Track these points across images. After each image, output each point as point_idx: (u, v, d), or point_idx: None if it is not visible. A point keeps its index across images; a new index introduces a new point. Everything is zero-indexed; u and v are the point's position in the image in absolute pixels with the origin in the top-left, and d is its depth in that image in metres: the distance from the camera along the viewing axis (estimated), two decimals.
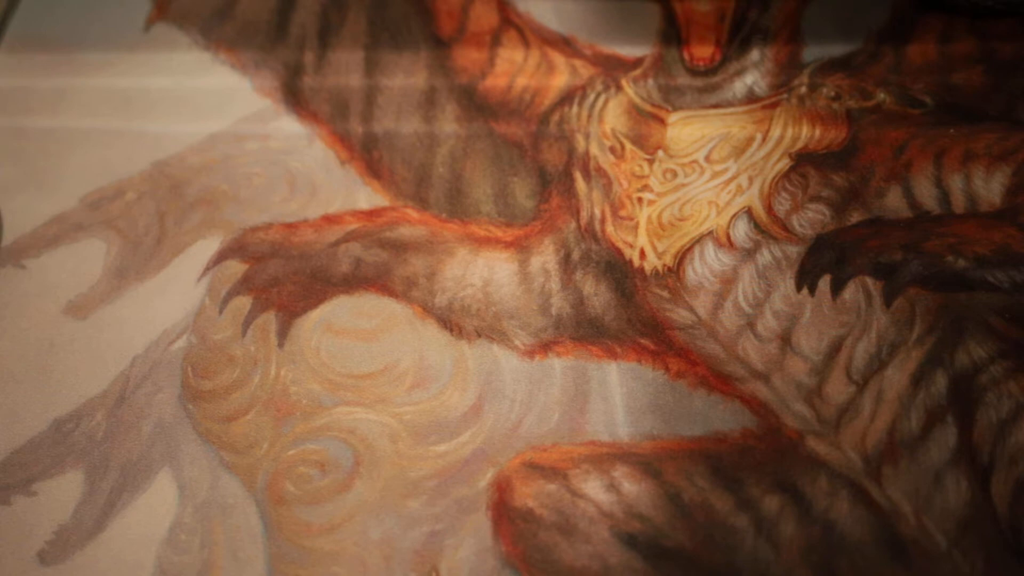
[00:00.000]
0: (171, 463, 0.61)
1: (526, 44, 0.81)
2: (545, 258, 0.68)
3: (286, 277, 0.68)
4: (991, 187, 0.67)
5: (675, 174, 0.71)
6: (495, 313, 0.65)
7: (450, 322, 0.65)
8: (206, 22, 0.85)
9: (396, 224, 0.71)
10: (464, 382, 0.62)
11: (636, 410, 0.60)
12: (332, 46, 0.82)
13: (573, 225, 0.69)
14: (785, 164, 0.70)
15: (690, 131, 0.73)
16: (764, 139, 0.72)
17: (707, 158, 0.72)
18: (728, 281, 0.65)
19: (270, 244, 0.70)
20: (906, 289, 0.63)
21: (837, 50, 0.77)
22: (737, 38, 0.79)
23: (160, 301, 0.68)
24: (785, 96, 0.75)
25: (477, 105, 0.77)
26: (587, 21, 0.82)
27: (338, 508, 0.58)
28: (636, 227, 0.69)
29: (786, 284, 0.64)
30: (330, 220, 0.71)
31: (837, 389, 0.60)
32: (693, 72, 0.78)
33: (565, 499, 0.57)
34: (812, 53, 0.78)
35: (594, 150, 0.73)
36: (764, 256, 0.66)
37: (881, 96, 0.74)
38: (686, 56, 0.78)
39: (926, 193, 0.67)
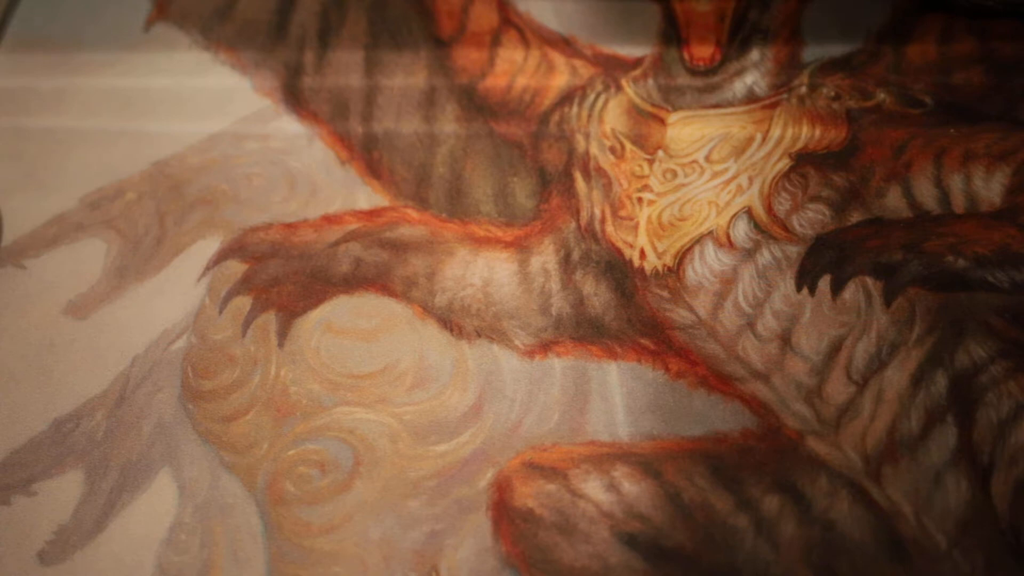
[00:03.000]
0: (171, 463, 0.61)
1: (526, 44, 0.81)
2: (545, 258, 0.68)
3: (286, 277, 0.68)
4: (991, 187, 0.67)
5: (675, 174, 0.71)
6: (495, 313, 0.65)
7: (450, 322, 0.65)
8: (206, 22, 0.85)
9: (396, 224, 0.71)
10: (464, 382, 0.62)
11: (636, 410, 0.60)
12: (332, 46, 0.82)
13: (573, 225, 0.69)
14: (785, 164, 0.70)
15: (690, 131, 0.73)
16: (764, 139, 0.72)
17: (707, 158, 0.72)
18: (728, 281, 0.65)
19: (270, 244, 0.70)
20: (906, 289, 0.63)
21: (837, 50, 0.77)
22: (737, 38, 0.79)
23: (160, 301, 0.68)
24: (785, 96, 0.75)
25: (477, 105, 0.77)
26: (587, 21, 0.82)
27: (338, 508, 0.58)
28: (636, 227, 0.69)
29: (786, 284, 0.64)
30: (330, 220, 0.71)
31: (837, 389, 0.59)
32: (693, 72, 0.78)
33: (565, 499, 0.57)
34: (812, 53, 0.78)
35: (594, 150, 0.73)
36: (764, 256, 0.66)
37: (881, 96, 0.74)
38: (686, 56, 0.78)
39: (926, 193, 0.67)
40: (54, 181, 0.76)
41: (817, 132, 0.72)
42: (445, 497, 0.58)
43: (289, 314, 0.66)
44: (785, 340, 0.62)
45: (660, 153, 0.72)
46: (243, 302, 0.67)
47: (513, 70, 0.79)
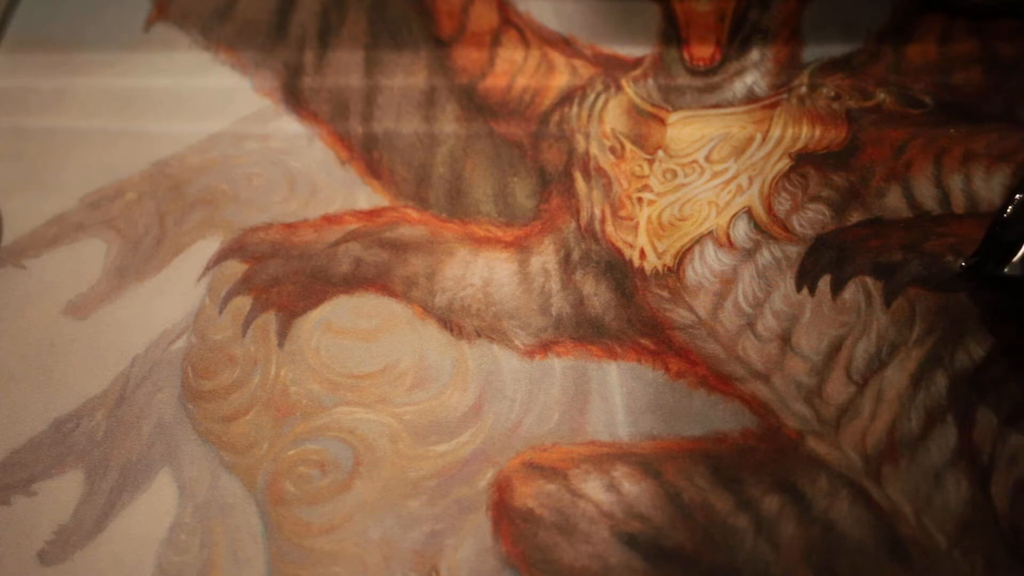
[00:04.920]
0: (171, 463, 0.61)
1: (526, 44, 0.81)
2: (545, 258, 0.68)
3: (286, 277, 0.68)
4: (991, 187, 0.67)
5: (675, 174, 0.71)
6: (495, 313, 0.65)
7: (450, 322, 0.65)
8: (206, 22, 0.85)
9: (396, 224, 0.71)
10: (464, 382, 0.62)
11: (636, 410, 0.60)
12: (332, 46, 0.82)
13: (573, 225, 0.69)
14: (785, 164, 0.70)
15: (690, 131, 0.73)
16: (764, 139, 0.72)
17: (707, 158, 0.72)
18: (728, 281, 0.65)
19: (270, 244, 0.70)
20: (906, 289, 0.63)
21: (837, 50, 0.77)
22: (737, 38, 0.79)
23: (160, 301, 0.68)
24: (785, 96, 0.75)
25: (477, 105, 0.77)
26: (587, 21, 0.82)
27: (338, 508, 0.58)
28: (636, 227, 0.69)
29: (786, 284, 0.64)
30: (330, 220, 0.71)
31: (837, 389, 0.60)
32: (693, 72, 0.78)
33: (565, 499, 0.57)
34: (812, 53, 0.77)
35: (594, 150, 0.73)
36: (764, 256, 0.66)
37: (881, 96, 0.74)
38: (686, 56, 0.78)
39: (926, 193, 0.67)
40: (54, 181, 0.76)
41: (817, 132, 0.72)
42: (445, 497, 0.58)
43: (289, 314, 0.66)
44: (785, 340, 0.62)
45: (660, 153, 0.73)
46: (243, 302, 0.67)
47: (513, 70, 0.79)
